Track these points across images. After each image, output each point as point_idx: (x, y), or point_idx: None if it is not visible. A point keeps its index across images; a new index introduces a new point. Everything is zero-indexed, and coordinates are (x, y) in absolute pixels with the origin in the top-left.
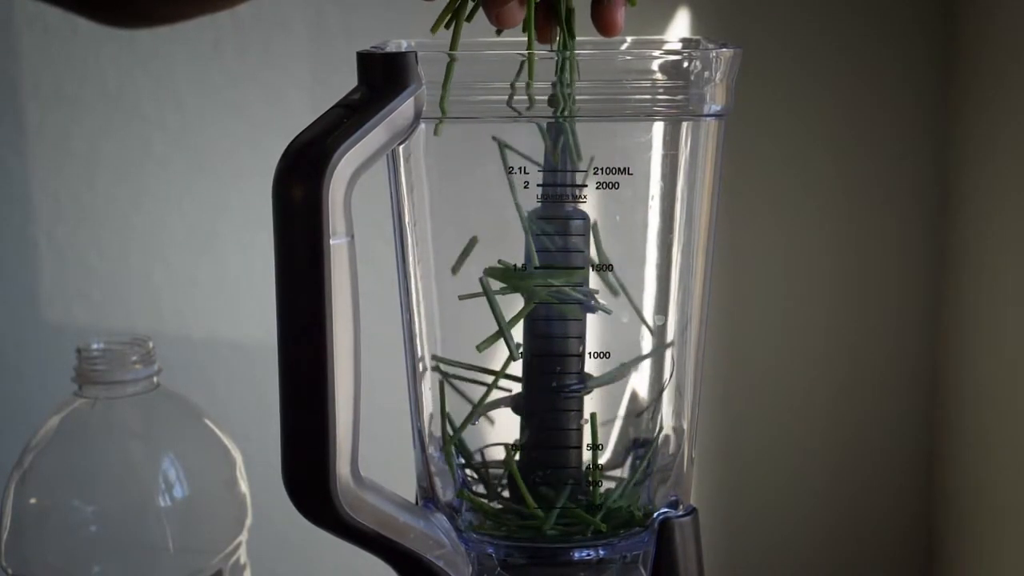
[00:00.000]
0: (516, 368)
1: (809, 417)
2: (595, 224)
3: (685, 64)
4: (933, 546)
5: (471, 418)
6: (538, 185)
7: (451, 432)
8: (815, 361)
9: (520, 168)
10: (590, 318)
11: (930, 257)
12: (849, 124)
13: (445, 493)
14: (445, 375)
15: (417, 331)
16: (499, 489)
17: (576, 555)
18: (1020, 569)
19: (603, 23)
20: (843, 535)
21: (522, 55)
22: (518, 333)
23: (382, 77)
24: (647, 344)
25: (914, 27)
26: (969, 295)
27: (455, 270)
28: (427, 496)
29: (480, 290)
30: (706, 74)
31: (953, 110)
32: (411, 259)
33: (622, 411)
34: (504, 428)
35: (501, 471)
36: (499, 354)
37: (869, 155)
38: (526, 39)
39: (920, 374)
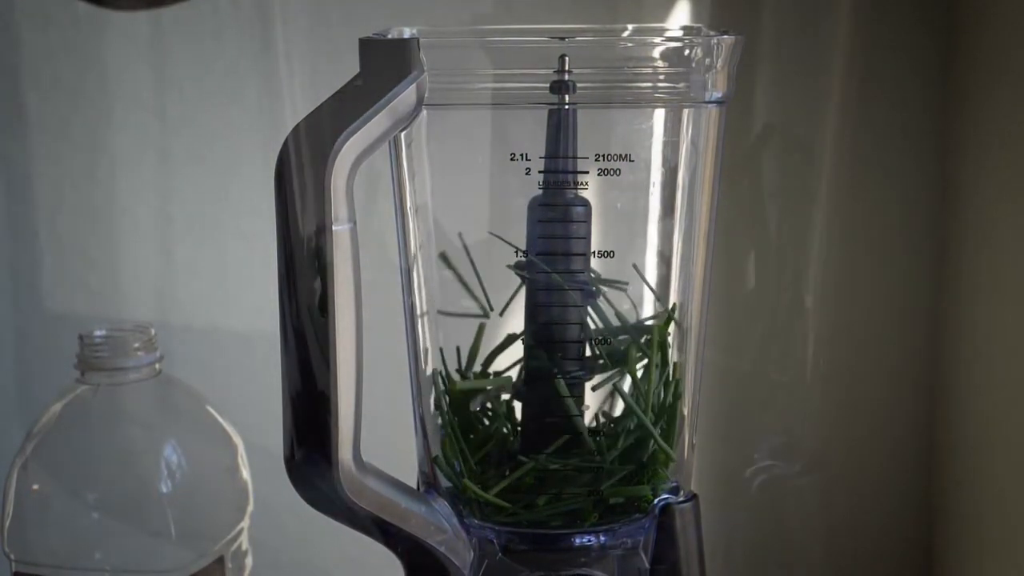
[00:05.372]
0: (518, 355)
1: (809, 405)
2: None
3: (686, 51)
4: (934, 532)
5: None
6: (539, 172)
7: (451, 429)
8: (815, 351)
9: (522, 155)
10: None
11: (931, 248)
12: (850, 114)
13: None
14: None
15: (419, 317)
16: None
17: (577, 541)
18: (1021, 568)
19: None
20: (843, 523)
21: (525, 43)
22: (519, 319)
23: (384, 64)
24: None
25: (916, 17)
26: (971, 291)
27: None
28: (429, 482)
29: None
30: (707, 61)
31: (954, 104)
32: (413, 245)
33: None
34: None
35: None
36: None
37: (870, 147)
38: (530, 27)
39: (921, 364)
